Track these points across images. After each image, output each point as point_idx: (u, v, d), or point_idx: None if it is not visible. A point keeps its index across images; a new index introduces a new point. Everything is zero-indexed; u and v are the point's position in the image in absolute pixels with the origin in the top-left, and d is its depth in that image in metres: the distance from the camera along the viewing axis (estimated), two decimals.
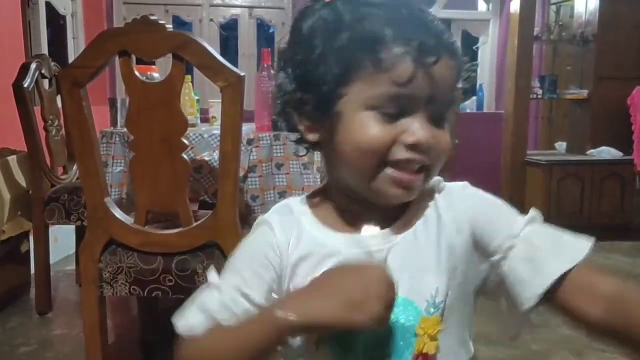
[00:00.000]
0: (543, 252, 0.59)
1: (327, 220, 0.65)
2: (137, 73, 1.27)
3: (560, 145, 4.16)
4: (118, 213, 1.39)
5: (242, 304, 0.61)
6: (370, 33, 0.56)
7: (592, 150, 3.80)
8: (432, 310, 0.60)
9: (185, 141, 1.34)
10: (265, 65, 1.99)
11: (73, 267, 2.67)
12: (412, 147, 0.57)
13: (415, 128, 0.57)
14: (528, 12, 3.80)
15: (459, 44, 0.61)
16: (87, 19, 3.64)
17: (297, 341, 0.61)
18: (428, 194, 0.65)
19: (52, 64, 2.42)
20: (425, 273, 0.61)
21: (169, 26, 1.24)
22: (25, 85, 2.16)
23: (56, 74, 2.42)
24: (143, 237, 1.37)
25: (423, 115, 0.57)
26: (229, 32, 4.42)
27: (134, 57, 1.27)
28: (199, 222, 1.38)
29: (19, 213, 2.28)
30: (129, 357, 1.64)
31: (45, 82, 2.39)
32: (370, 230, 0.63)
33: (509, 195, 3.94)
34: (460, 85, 0.61)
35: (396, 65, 0.55)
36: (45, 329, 2.22)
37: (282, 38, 0.65)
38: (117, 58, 1.27)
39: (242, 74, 1.27)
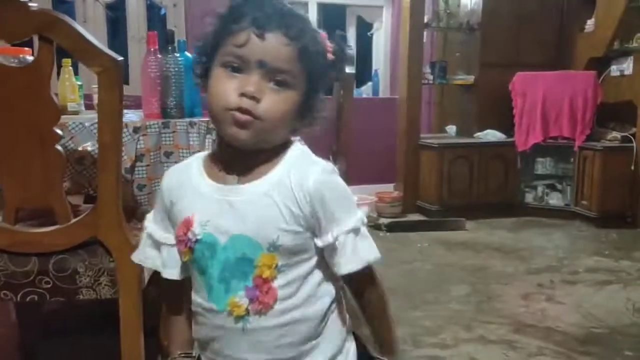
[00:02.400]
0: (343, 257, 0.83)
1: (208, 169, 0.85)
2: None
3: (451, 129, 4.36)
4: None
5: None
6: (229, 14, 0.80)
7: (479, 133, 4.02)
8: (271, 249, 0.80)
9: (59, 131, 1.23)
10: (152, 49, 1.88)
11: None
12: (242, 95, 0.77)
13: (245, 81, 0.77)
14: (418, 1, 3.92)
15: (305, 31, 0.79)
16: None
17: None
18: (288, 162, 0.82)
19: None
20: (266, 223, 0.80)
21: (33, 4, 1.12)
22: None
23: None
24: (12, 237, 1.25)
25: (257, 75, 0.77)
26: (117, 13, 4.17)
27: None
28: (77, 218, 1.28)
29: None
30: None
31: None
32: (231, 181, 0.83)
33: (405, 176, 4.08)
34: (302, 63, 0.79)
35: (237, 33, 0.77)
36: None
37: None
38: None
39: (119, 58, 1.18)
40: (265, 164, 0.82)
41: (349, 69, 2.41)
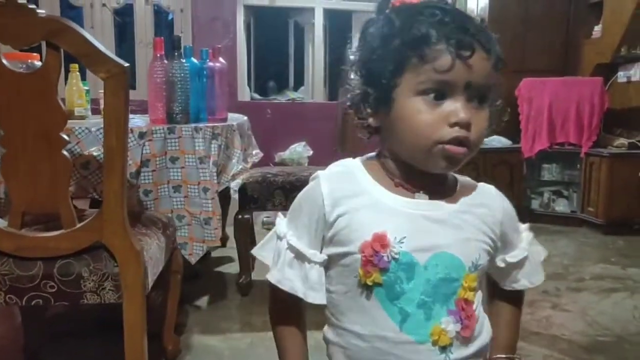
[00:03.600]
0: (524, 271, 0.85)
1: (381, 179, 0.77)
2: (4, 61, 1.16)
3: None
4: None
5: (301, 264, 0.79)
6: (416, 35, 0.70)
7: (484, 139, 4.01)
8: (473, 269, 0.75)
9: (65, 136, 1.24)
10: (158, 55, 1.90)
11: None
12: (455, 125, 0.70)
13: (457, 109, 0.70)
14: None
15: (494, 40, 0.73)
16: None
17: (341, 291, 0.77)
18: (468, 183, 0.81)
19: None
20: (471, 241, 0.76)
21: (41, 11, 1.13)
22: None
23: None
24: (18, 242, 1.26)
25: (463, 99, 0.70)
26: (125, 19, 4.21)
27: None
28: (82, 223, 1.29)
29: None
30: None
31: None
32: (421, 197, 0.76)
33: None
34: (495, 73, 0.73)
35: (438, 58, 0.69)
36: None
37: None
38: None
39: (125, 64, 1.19)
40: (446, 183, 0.80)
41: None
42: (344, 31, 4.65)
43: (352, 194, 0.76)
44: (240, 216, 2.34)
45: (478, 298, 0.78)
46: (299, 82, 4.78)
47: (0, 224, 1.27)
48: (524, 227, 0.86)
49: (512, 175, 3.89)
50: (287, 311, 0.82)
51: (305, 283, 0.77)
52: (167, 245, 1.63)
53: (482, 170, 3.84)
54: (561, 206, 3.88)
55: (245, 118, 2.47)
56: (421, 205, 0.75)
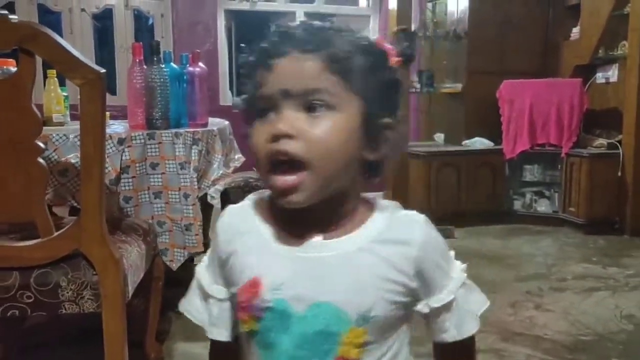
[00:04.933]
0: (453, 320, 0.71)
1: (273, 217, 0.70)
2: None
3: (439, 137, 4.38)
4: None
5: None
6: (253, 57, 0.67)
7: (466, 141, 4.04)
8: (361, 322, 0.65)
9: (41, 144, 1.22)
10: (137, 60, 1.88)
11: None
12: (274, 139, 0.62)
13: (274, 120, 0.63)
14: (405, 9, 3.94)
15: (331, 37, 0.65)
16: None
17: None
18: (386, 214, 0.69)
19: None
20: (363, 288, 0.65)
21: (14, 17, 1.11)
22: None
23: None
24: None
25: (289, 110, 0.63)
26: (105, 23, 4.17)
27: None
28: (59, 231, 1.27)
29: None
30: None
31: None
32: (310, 236, 0.67)
33: (394, 185, 4.08)
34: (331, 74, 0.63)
35: (255, 75, 0.65)
36: None
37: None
38: None
39: (102, 70, 1.17)
40: (351, 218, 0.68)
41: None
42: None
43: (243, 231, 0.70)
44: None
45: (377, 353, 0.67)
46: None
47: None
48: (459, 267, 0.72)
49: (495, 177, 3.92)
50: (215, 346, 0.78)
51: (209, 317, 0.74)
52: (148, 252, 1.61)
53: (465, 172, 3.86)
54: (543, 206, 3.92)
55: (227, 122, 2.46)
56: (309, 246, 0.66)
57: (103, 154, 1.25)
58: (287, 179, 0.62)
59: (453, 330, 0.71)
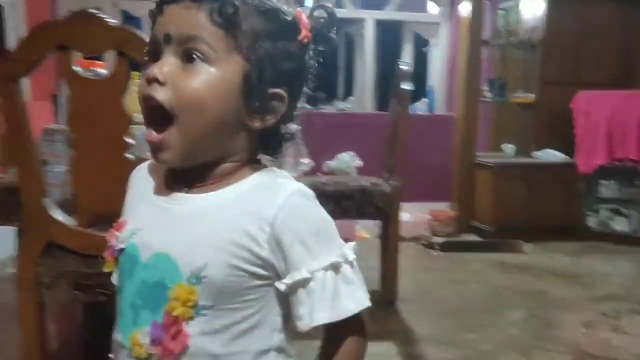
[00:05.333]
0: (318, 302, 0.63)
1: (159, 169, 0.71)
2: (77, 68, 1.20)
3: (508, 148, 4.26)
4: (58, 214, 1.32)
5: None
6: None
7: (537, 153, 3.91)
8: (193, 280, 0.62)
9: (129, 140, 1.28)
10: None
11: (12, 270, 2.53)
12: (147, 82, 0.62)
13: (152, 64, 0.63)
14: (477, 17, 3.88)
15: None
16: (29, 10, 3.47)
17: None
18: (254, 180, 0.66)
19: None
20: (200, 245, 0.63)
21: (113, 21, 1.18)
22: None
23: None
24: (85, 240, 1.30)
25: (167, 54, 0.63)
26: None
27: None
28: None
29: None
30: None
31: None
32: (180, 190, 0.67)
33: (459, 196, 4.01)
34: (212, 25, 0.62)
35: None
36: None
37: None
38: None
39: None
40: (224, 176, 0.67)
41: (405, 85, 2.40)
42: (394, 42, 4.64)
43: (135, 182, 0.75)
44: None
45: (217, 323, 0.62)
46: (349, 92, 4.79)
47: (68, 223, 1.32)
48: (339, 253, 0.64)
49: (567, 191, 3.77)
50: None
51: None
52: None
53: (535, 185, 3.74)
54: (620, 225, 3.72)
55: (298, 127, 2.49)
56: (173, 199, 0.67)
57: None
58: (153, 135, 0.63)
59: (306, 318, 0.63)
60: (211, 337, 0.63)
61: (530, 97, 3.97)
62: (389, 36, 4.67)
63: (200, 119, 0.62)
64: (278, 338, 0.67)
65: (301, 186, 0.66)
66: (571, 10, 3.87)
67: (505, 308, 2.48)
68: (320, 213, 0.66)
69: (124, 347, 0.65)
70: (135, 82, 2.28)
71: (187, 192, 0.67)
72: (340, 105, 4.57)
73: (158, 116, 0.62)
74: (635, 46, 3.98)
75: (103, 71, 1.87)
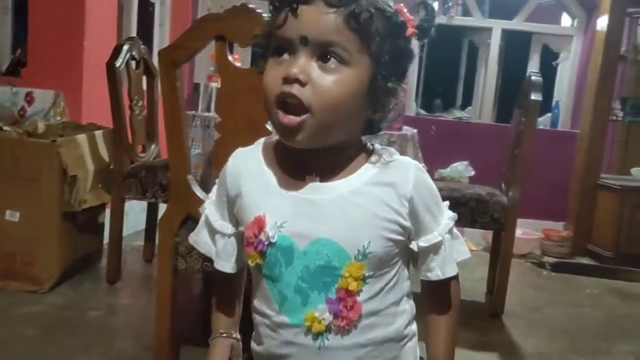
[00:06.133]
0: (443, 259, 0.78)
1: (279, 160, 0.76)
2: (230, 58, 1.32)
3: (637, 171, 3.98)
4: (198, 191, 1.45)
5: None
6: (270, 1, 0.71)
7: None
8: (360, 258, 0.71)
9: (269, 127, 1.38)
10: None
11: (141, 242, 2.79)
12: (286, 80, 0.67)
13: (290, 62, 0.67)
14: (615, 31, 3.67)
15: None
16: (174, 8, 3.79)
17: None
18: (384, 157, 0.74)
19: (142, 47, 2.54)
20: (360, 226, 0.71)
21: (267, 15, 1.28)
22: (117, 65, 2.27)
23: (145, 56, 2.54)
24: None
25: (303, 56, 0.67)
26: None
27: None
28: None
29: (100, 185, 2.41)
30: (192, 330, 1.71)
31: (133, 64, 2.52)
32: (312, 179, 0.73)
33: (577, 216, 3.81)
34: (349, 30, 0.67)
35: (277, 15, 0.69)
36: (114, 297, 2.34)
37: None
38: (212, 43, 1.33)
39: None
40: (349, 162, 0.74)
41: (536, 96, 2.34)
42: (520, 52, 4.50)
43: (249, 172, 0.76)
44: None
45: (375, 287, 0.73)
46: (467, 102, 4.71)
47: (206, 199, 1.44)
48: (449, 215, 0.78)
49: None
50: (220, 285, 0.87)
51: (216, 250, 0.82)
52: None
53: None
54: None
55: (415, 131, 2.52)
56: (309, 188, 0.72)
57: None
58: (290, 118, 0.67)
59: (437, 271, 0.77)
60: (373, 299, 0.74)
61: None
62: (516, 47, 4.54)
63: (334, 113, 0.68)
64: (407, 285, 0.80)
65: (415, 161, 0.76)
66: None
67: (622, 336, 2.34)
68: (433, 183, 0.78)
69: (296, 326, 0.73)
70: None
71: (321, 181, 0.73)
72: (457, 114, 4.51)
73: (291, 106, 0.68)
74: None
75: (238, 64, 2.01)
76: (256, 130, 1.36)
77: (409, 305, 0.79)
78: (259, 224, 0.73)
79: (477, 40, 4.59)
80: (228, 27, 1.29)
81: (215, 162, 1.46)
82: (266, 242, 0.72)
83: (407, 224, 0.74)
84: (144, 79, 2.60)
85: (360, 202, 0.72)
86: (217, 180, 0.84)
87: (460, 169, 3.96)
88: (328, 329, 0.72)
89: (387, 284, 0.75)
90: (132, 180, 2.30)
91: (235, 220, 0.80)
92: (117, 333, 1.98)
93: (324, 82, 0.67)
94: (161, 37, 3.72)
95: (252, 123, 1.36)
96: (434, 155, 3.98)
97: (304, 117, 0.67)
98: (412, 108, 4.45)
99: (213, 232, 0.82)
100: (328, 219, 0.71)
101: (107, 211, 2.52)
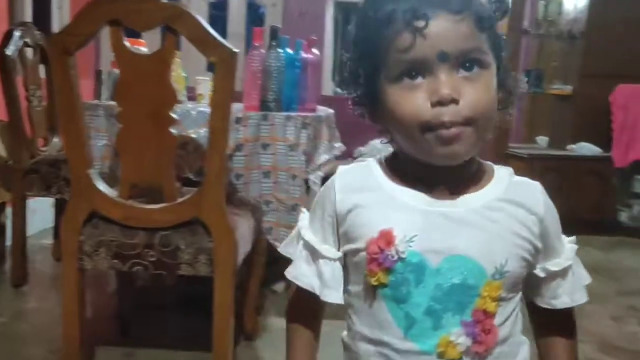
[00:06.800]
0: (566, 286, 0.73)
1: (400, 176, 0.70)
2: (127, 44, 1.25)
3: (542, 140, 4.21)
4: (102, 186, 1.38)
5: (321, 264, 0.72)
6: (377, 17, 0.63)
7: (572, 146, 3.85)
8: (497, 276, 0.65)
9: (174, 115, 1.32)
10: (257, 44, 1.97)
11: (50, 240, 2.64)
12: (439, 104, 0.61)
13: (435, 83, 0.61)
14: (518, 6, 3.82)
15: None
16: None
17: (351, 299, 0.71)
18: (505, 176, 0.70)
19: (37, 33, 2.36)
20: (497, 243, 0.66)
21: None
22: (9, 53, 2.10)
23: (40, 43, 2.37)
24: (126, 211, 1.35)
25: (444, 72, 0.61)
26: (220, 12, 4.36)
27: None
28: (184, 198, 1.37)
29: None
30: (104, 331, 1.64)
31: (29, 52, 2.34)
32: (440, 192, 0.67)
33: None
34: (480, 32, 0.63)
35: (397, 37, 0.62)
36: (20, 301, 2.19)
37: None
38: (106, 29, 1.25)
39: (235, 50, 1.25)
40: (475, 175, 0.69)
41: None
42: None
43: (364, 188, 0.70)
44: None
45: (507, 311, 0.68)
46: None
47: (110, 194, 1.37)
48: (569, 238, 0.74)
49: (601, 185, 3.71)
50: (303, 309, 0.77)
51: (321, 280, 0.72)
52: (255, 228, 1.69)
53: (569, 178, 3.69)
54: None
55: (332, 111, 2.51)
56: (439, 201, 0.67)
57: (228, 129, 1.34)
58: (454, 131, 0.61)
59: (565, 297, 0.72)
60: (505, 323, 0.68)
61: (568, 89, 3.90)
62: None
63: (491, 122, 0.65)
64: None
65: (538, 182, 0.72)
66: (616, 2, 3.78)
67: None
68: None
69: (425, 353, 0.66)
70: (176, 62, 2.31)
71: (453, 194, 0.67)
72: None
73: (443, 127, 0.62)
74: None
75: (144, 49, 1.92)
76: (160, 118, 1.30)
77: (523, 336, 0.73)
78: (387, 237, 0.65)
79: None
80: (122, 11, 1.21)
81: (120, 154, 1.39)
82: (395, 258, 0.65)
83: (540, 245, 0.69)
84: (42, 67, 2.42)
85: (496, 217, 0.66)
86: (315, 202, 0.76)
87: (379, 147, 4.01)
88: (461, 356, 0.65)
89: (514, 309, 0.69)
90: (33, 176, 2.15)
91: (339, 244, 0.73)
92: (25, 339, 1.86)
93: (475, 92, 0.62)
94: (61, 21, 3.47)
95: (155, 111, 1.30)
96: (353, 134, 4.01)
97: (465, 128, 0.62)
98: (330, 87, 4.45)
99: (316, 258, 0.73)
100: (463, 234, 0.65)
101: (9, 210, 2.35)
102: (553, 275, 0.71)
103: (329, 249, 0.72)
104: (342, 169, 0.74)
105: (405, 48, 0.61)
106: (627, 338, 2.09)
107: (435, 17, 0.60)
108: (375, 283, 0.66)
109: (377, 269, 0.65)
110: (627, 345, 2.02)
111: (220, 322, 1.43)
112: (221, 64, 1.23)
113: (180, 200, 1.38)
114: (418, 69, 0.62)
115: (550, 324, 0.75)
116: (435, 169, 0.66)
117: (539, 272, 0.71)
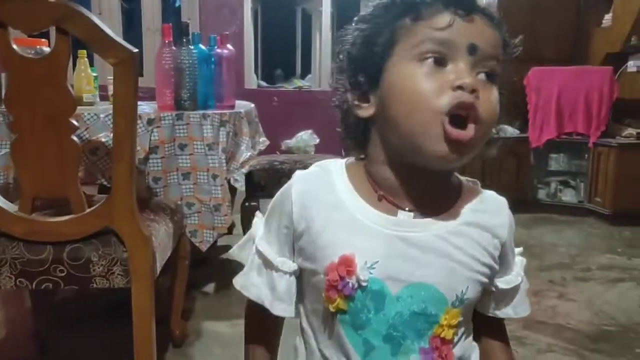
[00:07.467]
0: (512, 302, 0.73)
1: (360, 187, 0.66)
2: (15, 47, 1.16)
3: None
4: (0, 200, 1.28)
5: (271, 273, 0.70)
6: None
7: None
8: (457, 304, 0.64)
9: (75, 122, 1.24)
10: (167, 41, 1.90)
11: None
12: (459, 88, 0.58)
13: (461, 70, 0.59)
14: None
15: (500, 20, 0.64)
16: None
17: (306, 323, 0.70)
18: (474, 192, 0.69)
19: None
20: (459, 271, 0.64)
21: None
22: None
23: None
24: (28, 226, 1.27)
25: (468, 63, 0.60)
26: (132, 5, 4.20)
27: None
28: (91, 208, 1.30)
29: None
30: (22, 351, 1.54)
31: None
32: (405, 214, 0.64)
33: None
34: (504, 54, 0.63)
35: (435, 15, 0.59)
36: None
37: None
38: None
39: (134, 50, 1.19)
40: (444, 194, 0.67)
41: None
42: (352, 19, 4.62)
43: (325, 203, 0.65)
44: (247, 204, 2.35)
45: (461, 331, 0.68)
46: (307, 70, 4.77)
47: (10, 209, 1.28)
48: (517, 249, 0.74)
49: (520, 165, 3.88)
50: (257, 323, 0.74)
51: (273, 292, 0.69)
52: (175, 231, 1.64)
53: (489, 160, 3.82)
54: (568, 196, 3.87)
55: (252, 105, 2.47)
56: (404, 224, 0.63)
57: (134, 133, 1.27)
58: (464, 133, 0.58)
59: (509, 310, 0.73)
60: (459, 344, 0.68)
61: None
62: (347, 13, 4.65)
63: (489, 132, 0.63)
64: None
65: (503, 198, 0.71)
66: None
67: None
68: None
69: None
70: (83, 62, 2.18)
71: (415, 216, 0.64)
72: (298, 83, 4.55)
73: (457, 119, 0.59)
74: (585, 23, 4.07)
75: (47, 49, 1.80)
76: (57, 126, 1.22)
77: (475, 353, 0.74)
78: (347, 264, 0.62)
79: (309, 8, 4.63)
80: (5, 12, 1.12)
81: (16, 166, 1.30)
82: (355, 286, 0.62)
83: (497, 267, 0.68)
84: None
85: (459, 244, 0.64)
86: (263, 212, 0.72)
87: (306, 138, 4.02)
88: None
89: (467, 327, 0.70)
90: None
91: (294, 254, 0.69)
92: None
93: (491, 100, 0.61)
94: None
95: (52, 119, 1.22)
96: (278, 127, 3.99)
97: (473, 131, 0.58)
98: (253, 80, 4.40)
99: (271, 269, 0.69)
100: (423, 261, 0.63)
101: None
102: (503, 292, 0.72)
103: (285, 262, 0.69)
104: (299, 174, 0.68)
105: (441, 27, 0.59)
106: (548, 312, 2.19)
107: (475, 13, 0.60)
108: (334, 310, 0.64)
109: (335, 296, 0.63)
110: (549, 319, 2.12)
111: (141, 332, 1.37)
112: (120, 66, 1.16)
113: (88, 210, 1.31)
114: (446, 52, 0.59)
115: (487, 329, 0.76)
116: (408, 184, 0.64)
117: (498, 284, 0.71)
